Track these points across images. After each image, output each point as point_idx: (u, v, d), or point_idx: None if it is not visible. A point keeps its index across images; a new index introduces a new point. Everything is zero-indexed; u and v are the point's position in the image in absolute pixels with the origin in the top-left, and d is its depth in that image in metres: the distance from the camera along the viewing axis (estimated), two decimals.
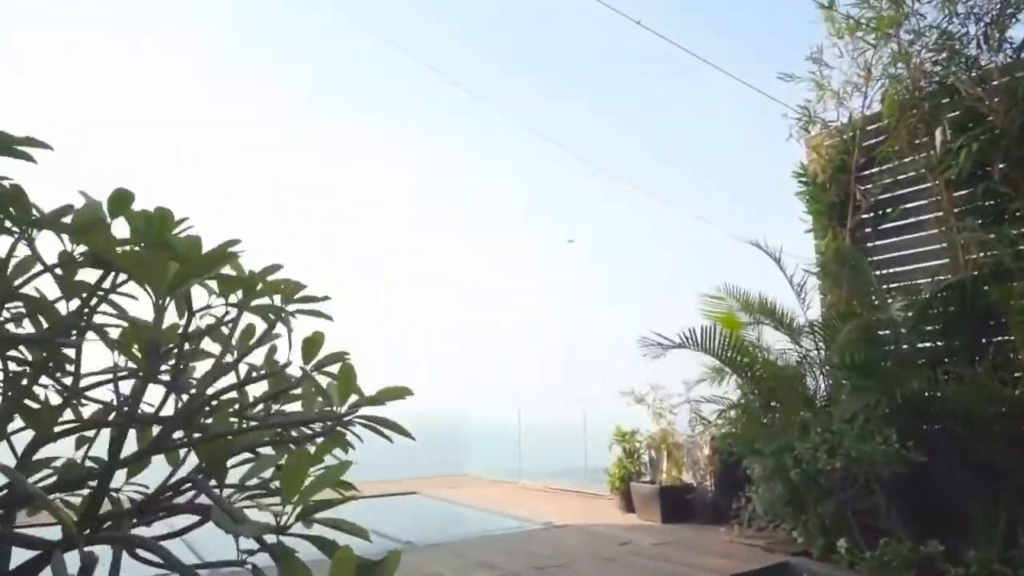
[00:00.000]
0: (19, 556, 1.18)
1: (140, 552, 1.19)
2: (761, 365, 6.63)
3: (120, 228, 1.23)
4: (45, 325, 1.28)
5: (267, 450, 1.42)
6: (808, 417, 5.75)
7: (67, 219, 1.22)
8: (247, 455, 1.42)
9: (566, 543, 6.66)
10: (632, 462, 8.47)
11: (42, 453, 1.33)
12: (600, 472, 9.01)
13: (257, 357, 1.55)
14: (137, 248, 1.25)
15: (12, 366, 1.29)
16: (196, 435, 1.39)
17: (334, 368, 1.46)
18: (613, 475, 8.49)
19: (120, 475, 1.38)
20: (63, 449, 1.38)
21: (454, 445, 15.92)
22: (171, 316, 1.35)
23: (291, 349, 1.52)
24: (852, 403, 5.74)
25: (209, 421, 1.42)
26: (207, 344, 1.51)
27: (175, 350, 1.38)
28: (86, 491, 1.33)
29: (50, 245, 1.26)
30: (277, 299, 1.50)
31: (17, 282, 1.25)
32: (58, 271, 1.26)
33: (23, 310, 1.32)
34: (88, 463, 1.38)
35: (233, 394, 1.50)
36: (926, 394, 5.69)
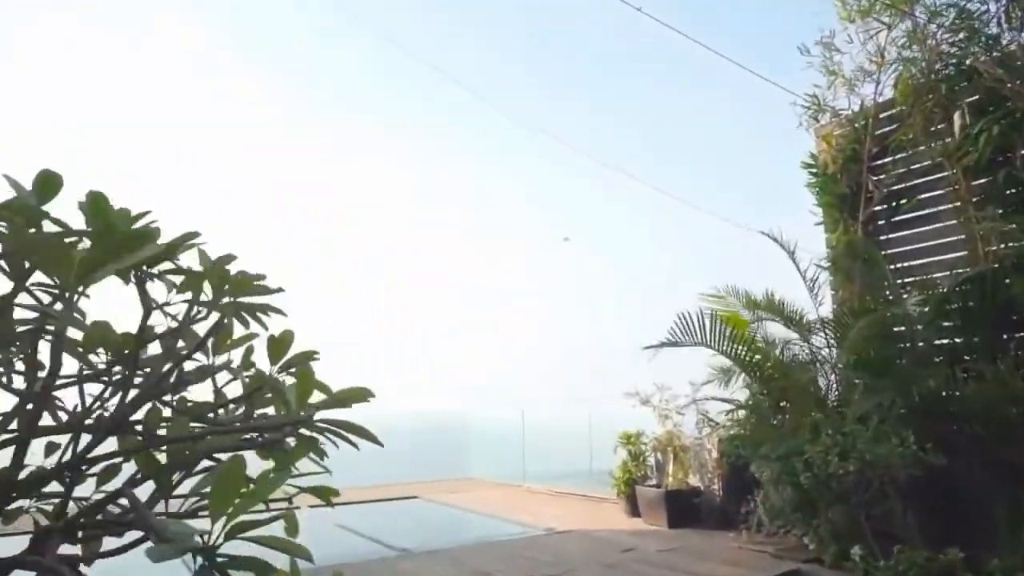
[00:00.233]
0: None
1: None
2: (772, 364, 6.35)
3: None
4: None
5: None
6: (819, 418, 5.48)
7: None
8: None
9: (568, 549, 6.40)
10: (637, 465, 8.21)
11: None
12: (605, 474, 8.76)
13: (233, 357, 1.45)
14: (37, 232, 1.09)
15: None
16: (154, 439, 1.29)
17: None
18: (618, 479, 8.22)
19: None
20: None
21: (459, 447, 15.73)
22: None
23: (250, 350, 1.45)
24: (865, 403, 5.47)
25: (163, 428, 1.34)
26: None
27: (135, 351, 1.29)
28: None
29: None
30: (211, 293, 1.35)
31: None
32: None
33: None
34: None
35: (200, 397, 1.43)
36: (944, 393, 5.42)
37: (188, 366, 1.41)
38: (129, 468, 1.31)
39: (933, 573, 4.67)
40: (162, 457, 1.28)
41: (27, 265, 1.12)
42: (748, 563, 5.78)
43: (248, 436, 1.32)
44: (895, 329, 5.90)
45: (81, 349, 1.28)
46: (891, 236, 6.46)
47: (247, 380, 1.42)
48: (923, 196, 6.23)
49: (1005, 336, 5.41)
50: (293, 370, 1.40)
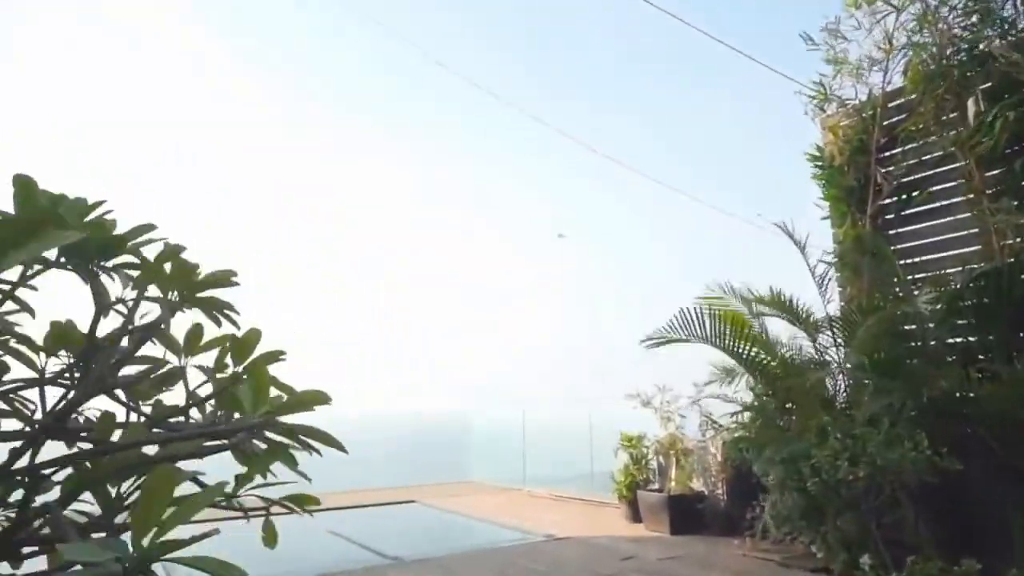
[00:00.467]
0: None
1: None
2: (777, 363, 6.08)
3: None
4: None
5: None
6: (827, 421, 5.22)
7: None
8: None
9: (565, 557, 6.17)
10: (639, 469, 7.96)
11: None
12: (607, 476, 8.51)
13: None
14: None
15: None
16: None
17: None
18: (619, 483, 7.98)
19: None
20: None
21: (459, 448, 15.55)
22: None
23: (224, 351, 1.35)
24: (875, 405, 5.21)
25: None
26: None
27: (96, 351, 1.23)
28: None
29: None
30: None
31: None
32: None
33: None
34: None
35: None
36: (957, 395, 5.16)
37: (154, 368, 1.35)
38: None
39: None
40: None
41: None
42: (753, 572, 5.54)
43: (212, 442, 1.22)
44: (905, 328, 5.64)
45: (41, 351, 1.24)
46: (901, 230, 6.19)
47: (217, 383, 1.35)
48: (934, 188, 5.96)
49: (1022, 335, 5.15)
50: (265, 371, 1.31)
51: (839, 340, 5.97)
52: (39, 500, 1.15)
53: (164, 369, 1.38)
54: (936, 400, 5.03)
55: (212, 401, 1.36)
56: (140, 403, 1.35)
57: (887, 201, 6.26)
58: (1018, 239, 5.18)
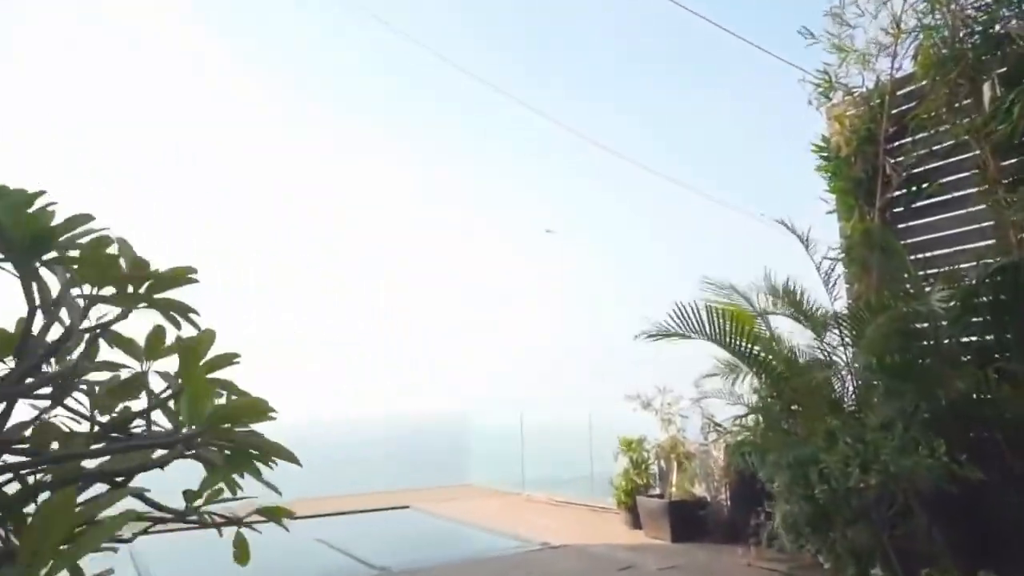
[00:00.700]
0: None
1: None
2: (781, 361, 5.79)
3: None
4: None
5: None
6: (836, 424, 4.93)
7: None
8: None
9: (560, 568, 5.90)
10: (640, 473, 7.69)
11: None
12: (608, 478, 8.24)
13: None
14: None
15: None
16: None
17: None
18: (619, 488, 7.71)
19: None
20: None
21: (458, 450, 15.32)
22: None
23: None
24: (887, 407, 4.93)
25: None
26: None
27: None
28: None
29: None
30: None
31: None
32: None
33: None
34: None
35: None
36: (974, 397, 4.88)
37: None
38: None
39: None
40: None
41: None
42: None
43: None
44: (917, 326, 5.35)
45: None
46: (911, 223, 5.90)
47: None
48: (947, 179, 5.66)
49: None
50: (217, 375, 1.23)
51: (847, 339, 5.69)
52: None
53: (114, 374, 1.26)
54: (953, 403, 4.75)
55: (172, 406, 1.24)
56: (99, 412, 1.23)
57: (897, 193, 5.96)
58: None
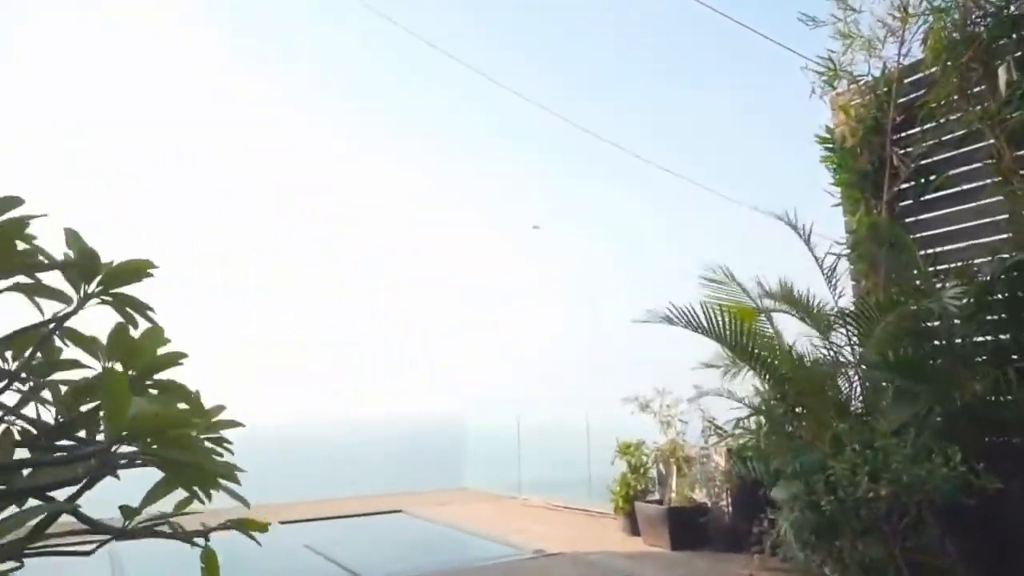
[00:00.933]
0: None
1: None
2: (784, 361, 5.51)
3: None
4: None
5: None
6: (843, 429, 4.66)
7: None
8: None
9: None
10: (638, 478, 7.42)
11: None
12: (606, 480, 7.98)
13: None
14: None
15: None
16: None
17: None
18: (616, 493, 7.44)
19: None
20: None
21: (454, 452, 15.10)
22: None
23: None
24: (898, 411, 4.66)
25: None
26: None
27: None
28: None
29: None
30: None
31: None
32: None
33: None
34: None
35: None
36: (990, 399, 4.61)
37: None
38: None
39: None
40: None
41: None
42: None
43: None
44: (927, 324, 5.09)
45: None
46: (921, 217, 5.63)
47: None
48: (958, 170, 5.39)
49: None
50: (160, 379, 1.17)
51: (853, 338, 5.42)
52: None
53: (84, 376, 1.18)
54: (967, 406, 4.48)
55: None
56: (62, 414, 1.17)
57: (905, 185, 5.69)
58: None
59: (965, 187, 5.33)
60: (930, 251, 5.46)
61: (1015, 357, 4.64)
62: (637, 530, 7.07)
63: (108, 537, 1.04)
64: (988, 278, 4.85)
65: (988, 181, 5.14)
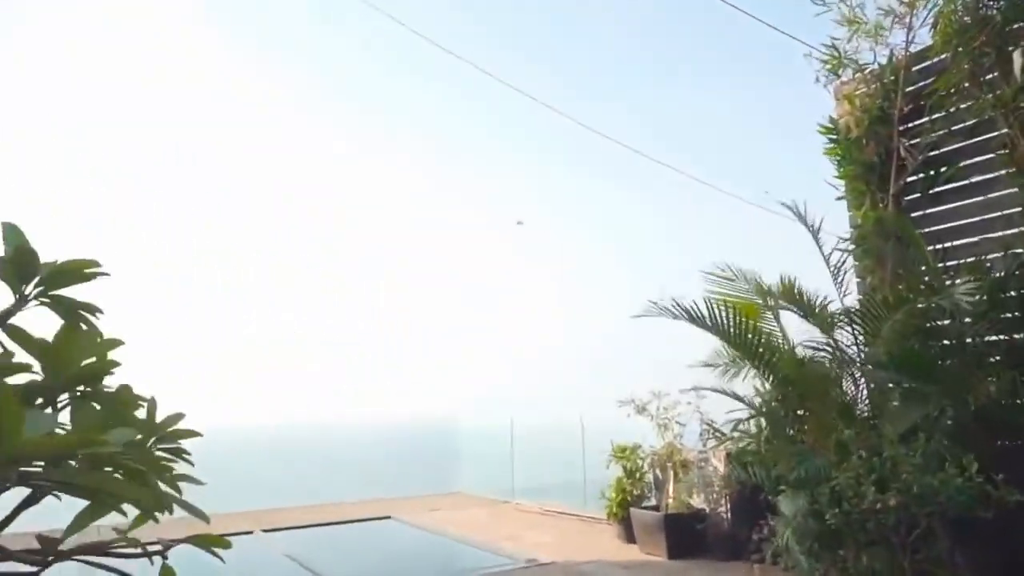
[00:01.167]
0: None
1: None
2: (786, 361, 5.25)
3: None
4: None
5: None
6: (848, 435, 4.40)
7: None
8: None
9: None
10: (634, 483, 7.15)
11: None
12: (601, 484, 7.72)
13: None
14: None
15: None
16: None
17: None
18: (611, 499, 7.17)
19: None
20: None
21: (449, 455, 14.86)
22: None
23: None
24: (907, 414, 4.41)
25: None
26: None
27: None
28: None
29: None
30: None
31: None
32: None
33: None
34: None
35: None
36: (1004, 402, 4.36)
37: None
38: None
39: None
40: None
41: None
42: None
43: None
44: (937, 323, 4.84)
45: None
46: (929, 211, 5.37)
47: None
48: (969, 161, 5.14)
49: None
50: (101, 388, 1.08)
51: (859, 337, 5.16)
52: None
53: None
54: (980, 408, 4.22)
55: None
56: None
57: (912, 178, 5.43)
58: None
59: (976, 179, 5.08)
60: (939, 246, 5.20)
61: None
62: (633, 537, 6.81)
63: (35, 569, 0.95)
64: (1001, 274, 4.60)
65: (1001, 172, 4.89)
